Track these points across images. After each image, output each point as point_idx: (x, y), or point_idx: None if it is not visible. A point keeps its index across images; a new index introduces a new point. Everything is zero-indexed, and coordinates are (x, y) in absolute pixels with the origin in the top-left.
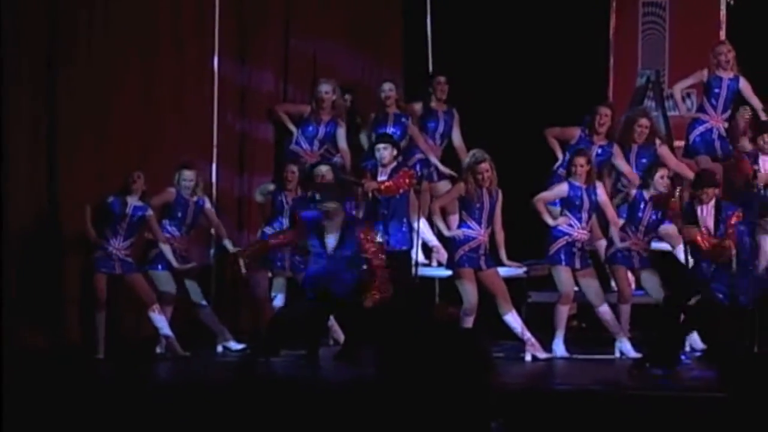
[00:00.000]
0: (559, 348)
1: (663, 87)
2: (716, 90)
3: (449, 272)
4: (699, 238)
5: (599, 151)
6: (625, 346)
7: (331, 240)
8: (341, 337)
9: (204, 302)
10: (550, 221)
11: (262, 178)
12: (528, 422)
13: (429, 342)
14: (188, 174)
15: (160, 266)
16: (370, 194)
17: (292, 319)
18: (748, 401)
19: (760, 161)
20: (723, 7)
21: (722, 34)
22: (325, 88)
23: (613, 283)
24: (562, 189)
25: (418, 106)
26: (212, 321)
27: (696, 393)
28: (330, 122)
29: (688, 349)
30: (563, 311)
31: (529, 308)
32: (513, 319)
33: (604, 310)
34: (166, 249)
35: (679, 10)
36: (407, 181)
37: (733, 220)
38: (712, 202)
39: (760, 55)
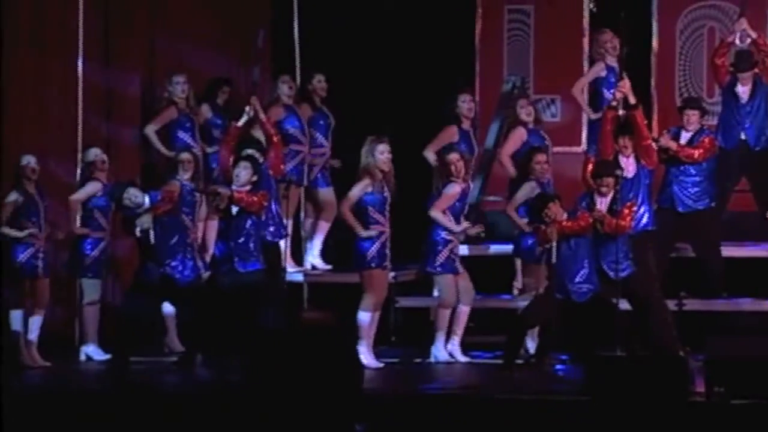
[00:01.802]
0: (440, 352)
1: (528, 93)
2: (612, 80)
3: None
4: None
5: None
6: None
7: None
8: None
9: (97, 298)
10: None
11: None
12: (393, 426)
13: (296, 346)
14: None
15: (91, 274)
16: (223, 203)
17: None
18: (611, 403)
19: (622, 162)
20: (586, 14)
21: (585, 41)
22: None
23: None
24: (455, 189)
25: (305, 107)
26: (92, 322)
27: (561, 396)
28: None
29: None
30: (445, 315)
31: (397, 313)
32: (367, 319)
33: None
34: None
35: (543, 17)
36: (257, 202)
37: (626, 212)
38: (611, 195)
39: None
